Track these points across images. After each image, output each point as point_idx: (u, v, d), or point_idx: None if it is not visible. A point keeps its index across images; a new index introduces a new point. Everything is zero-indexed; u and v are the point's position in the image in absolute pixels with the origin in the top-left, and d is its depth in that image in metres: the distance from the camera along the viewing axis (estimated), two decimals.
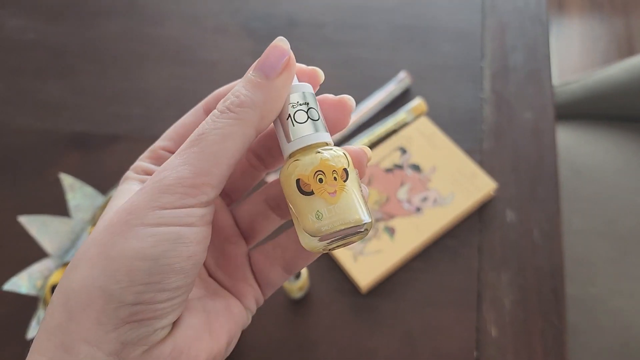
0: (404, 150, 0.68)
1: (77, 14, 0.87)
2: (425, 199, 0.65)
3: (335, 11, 0.83)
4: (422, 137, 0.69)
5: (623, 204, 0.91)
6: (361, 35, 0.81)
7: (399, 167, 0.67)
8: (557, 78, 1.64)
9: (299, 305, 0.63)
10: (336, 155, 0.27)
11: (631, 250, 0.87)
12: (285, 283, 0.60)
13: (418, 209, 0.65)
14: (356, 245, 0.63)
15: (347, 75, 0.77)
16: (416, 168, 0.67)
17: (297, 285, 0.60)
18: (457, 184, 0.65)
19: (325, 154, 0.26)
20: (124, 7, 0.87)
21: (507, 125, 0.72)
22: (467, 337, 0.60)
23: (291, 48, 0.28)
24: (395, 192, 0.66)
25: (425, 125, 0.70)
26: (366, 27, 0.81)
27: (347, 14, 0.82)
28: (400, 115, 0.71)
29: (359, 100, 0.74)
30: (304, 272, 0.60)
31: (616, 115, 1.02)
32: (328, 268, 0.64)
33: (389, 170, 0.67)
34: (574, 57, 1.69)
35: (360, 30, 0.81)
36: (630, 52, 1.66)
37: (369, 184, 0.67)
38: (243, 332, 0.61)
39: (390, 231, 0.64)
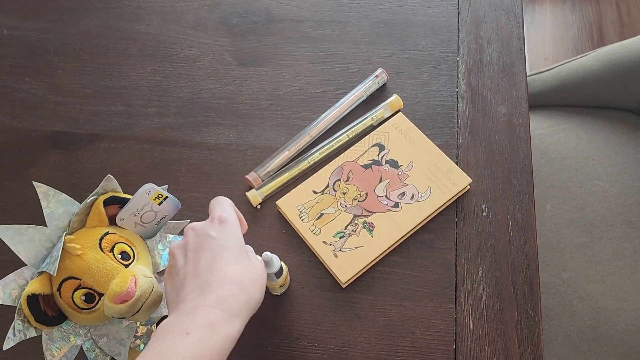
0: (381, 147, 0.70)
1: (52, 10, 0.86)
2: (403, 195, 0.66)
3: (314, 6, 0.83)
4: (399, 133, 0.70)
5: (592, 191, 0.94)
6: (340, 30, 0.81)
7: (377, 163, 0.69)
8: (529, 67, 1.66)
9: (281, 301, 0.64)
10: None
11: (600, 236, 0.90)
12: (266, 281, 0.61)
13: (396, 205, 0.66)
14: (336, 242, 0.64)
15: (326, 70, 0.78)
16: (394, 164, 0.68)
17: (278, 283, 0.61)
18: (434, 179, 0.67)
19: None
20: (101, 2, 0.87)
21: (482, 120, 0.73)
22: (445, 329, 0.62)
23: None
24: (374, 188, 0.67)
25: (402, 121, 0.71)
26: (344, 22, 0.82)
27: (325, 9, 0.83)
28: (378, 111, 0.72)
29: (337, 96, 0.75)
30: (285, 269, 0.61)
31: (587, 104, 1.04)
32: (309, 264, 0.66)
33: (367, 167, 0.69)
34: (546, 46, 1.72)
35: (338, 25, 0.81)
36: (600, 39, 1.69)
37: (347, 180, 0.68)
38: None
39: (370, 227, 0.65)
